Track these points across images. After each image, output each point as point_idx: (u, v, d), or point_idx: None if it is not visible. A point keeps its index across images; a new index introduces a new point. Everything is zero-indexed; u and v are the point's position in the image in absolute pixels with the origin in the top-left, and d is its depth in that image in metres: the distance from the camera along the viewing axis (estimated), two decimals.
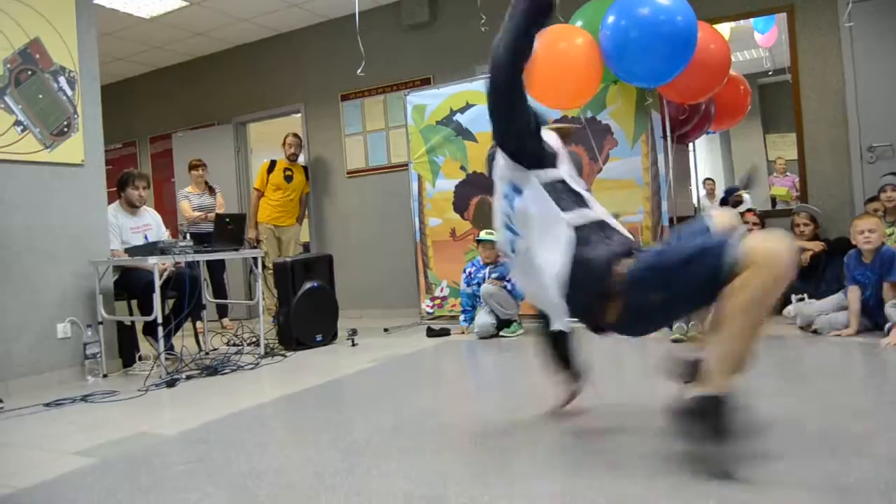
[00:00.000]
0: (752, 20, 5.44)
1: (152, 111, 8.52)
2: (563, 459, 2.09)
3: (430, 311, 5.91)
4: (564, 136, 2.35)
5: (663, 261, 1.81)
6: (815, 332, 3.93)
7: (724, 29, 5.28)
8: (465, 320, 5.18)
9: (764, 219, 5.08)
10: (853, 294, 3.81)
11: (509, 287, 4.86)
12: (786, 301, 4.48)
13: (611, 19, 4.12)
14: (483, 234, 5.05)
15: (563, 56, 4.32)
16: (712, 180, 6.42)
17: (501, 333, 4.86)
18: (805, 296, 4.31)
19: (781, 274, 1.61)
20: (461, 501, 1.74)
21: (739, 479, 1.71)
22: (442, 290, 5.85)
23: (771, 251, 1.61)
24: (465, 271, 5.23)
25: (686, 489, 1.68)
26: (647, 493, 1.69)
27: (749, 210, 5.10)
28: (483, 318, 4.86)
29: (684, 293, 1.75)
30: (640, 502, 1.64)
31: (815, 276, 4.58)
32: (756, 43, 5.68)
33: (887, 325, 3.59)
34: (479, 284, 5.03)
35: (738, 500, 1.58)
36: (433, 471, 1.99)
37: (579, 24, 4.54)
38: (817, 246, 4.58)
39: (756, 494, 1.61)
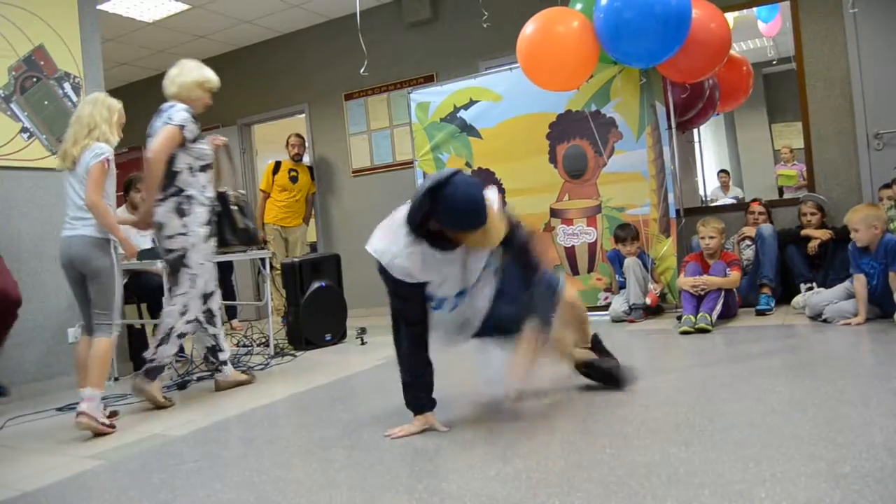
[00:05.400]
0: (755, 9, 5.41)
1: None
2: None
3: None
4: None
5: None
6: (824, 321, 3.90)
7: (728, 18, 5.25)
8: None
9: (770, 208, 5.04)
10: (859, 282, 3.78)
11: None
12: (795, 291, 4.46)
13: (604, 1, 4.13)
14: None
15: (559, 38, 4.36)
16: (727, 173, 6.36)
17: None
18: (814, 285, 4.29)
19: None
20: (464, 497, 1.74)
21: (734, 468, 1.71)
22: None
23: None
24: None
25: (682, 481, 1.68)
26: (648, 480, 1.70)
27: (755, 200, 5.07)
28: None
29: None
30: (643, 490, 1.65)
31: (824, 265, 4.55)
32: (760, 32, 5.64)
33: None
34: None
35: (732, 491, 1.58)
36: (436, 466, 2.00)
37: (578, 6, 4.54)
38: (825, 234, 4.55)
39: (751, 485, 1.61)
